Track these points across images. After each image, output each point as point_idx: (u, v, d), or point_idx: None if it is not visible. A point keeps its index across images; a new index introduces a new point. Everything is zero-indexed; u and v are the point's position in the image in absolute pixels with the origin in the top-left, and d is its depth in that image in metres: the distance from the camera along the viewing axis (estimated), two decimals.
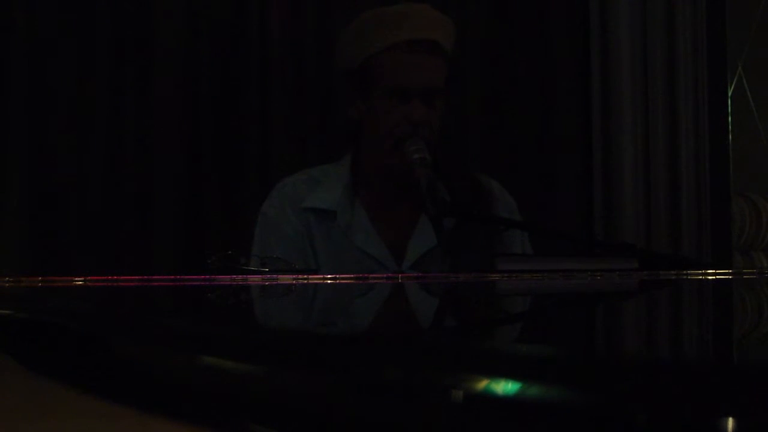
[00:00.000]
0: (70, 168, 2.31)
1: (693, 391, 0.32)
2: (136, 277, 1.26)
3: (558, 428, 0.32)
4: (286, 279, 1.38)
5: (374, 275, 1.50)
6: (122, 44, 2.36)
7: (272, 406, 0.41)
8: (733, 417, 0.28)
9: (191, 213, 2.37)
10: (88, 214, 2.31)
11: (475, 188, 1.87)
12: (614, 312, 0.86)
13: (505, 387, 0.34)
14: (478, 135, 2.56)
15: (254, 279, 1.39)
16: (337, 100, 2.34)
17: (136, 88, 2.36)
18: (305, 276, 1.38)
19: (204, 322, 0.67)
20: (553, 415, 0.32)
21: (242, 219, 2.17)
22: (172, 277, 1.32)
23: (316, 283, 1.31)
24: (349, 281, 1.36)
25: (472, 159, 2.49)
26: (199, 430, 0.42)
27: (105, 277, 1.25)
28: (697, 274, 1.61)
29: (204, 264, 1.43)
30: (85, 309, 0.84)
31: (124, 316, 0.76)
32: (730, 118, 2.76)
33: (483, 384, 0.34)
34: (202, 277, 1.29)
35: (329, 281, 1.34)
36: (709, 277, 1.56)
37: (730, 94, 2.79)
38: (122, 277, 1.26)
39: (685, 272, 1.58)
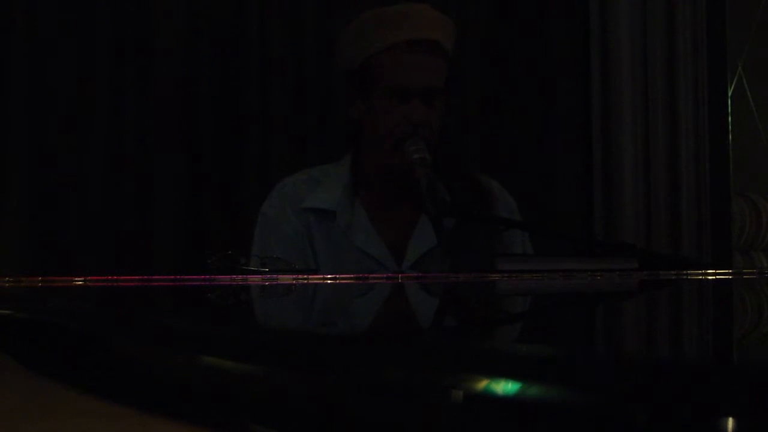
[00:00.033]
0: (70, 168, 2.31)
1: (693, 391, 0.32)
2: (136, 277, 1.26)
3: (558, 428, 0.32)
4: (286, 279, 1.38)
5: (374, 275, 1.50)
6: (122, 44, 2.36)
7: (272, 406, 0.41)
8: (733, 417, 0.28)
9: (191, 213, 2.37)
10: (88, 214, 2.31)
11: (475, 188, 1.87)
12: (614, 312, 0.86)
13: (505, 387, 0.34)
14: (478, 135, 2.56)
15: (254, 279, 1.39)
16: (337, 100, 2.34)
17: (136, 88, 2.36)
18: (305, 276, 1.38)
19: (204, 322, 0.67)
20: (553, 415, 0.32)
21: (242, 219, 2.17)
22: (172, 277, 1.32)
23: (316, 283, 1.31)
24: (349, 281, 1.36)
25: (472, 159, 2.49)
26: (199, 430, 0.42)
27: (105, 277, 1.25)
28: (697, 274, 1.61)
29: (204, 264, 1.43)
30: (85, 309, 0.84)
31: (124, 316, 0.76)
32: (730, 118, 2.76)
33: (483, 384, 0.34)
34: (202, 277, 1.29)
35: (329, 281, 1.34)
36: (709, 277, 1.56)
37: (730, 94, 2.79)
38: (122, 277, 1.26)
39: (685, 272, 1.58)
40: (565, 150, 2.62)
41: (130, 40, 2.37)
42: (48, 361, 0.59)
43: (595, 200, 2.60)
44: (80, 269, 2.26)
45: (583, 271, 1.43)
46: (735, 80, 2.91)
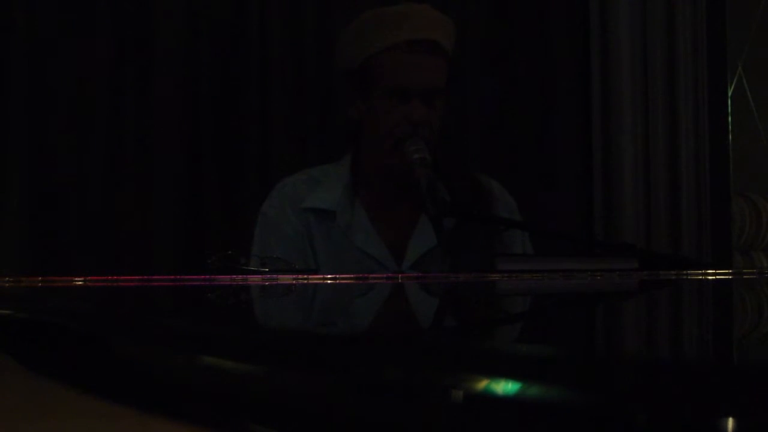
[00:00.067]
0: (70, 168, 2.31)
1: (693, 391, 0.32)
2: (136, 277, 1.26)
3: (558, 428, 0.32)
4: (286, 279, 1.38)
5: (374, 275, 1.50)
6: (122, 44, 2.36)
7: (272, 406, 0.41)
8: (733, 417, 0.28)
9: (191, 213, 2.37)
10: (88, 214, 2.31)
11: (475, 188, 1.87)
12: (614, 312, 0.86)
13: (505, 387, 0.34)
14: (478, 135, 2.56)
15: (254, 279, 1.39)
16: (337, 100, 2.34)
17: (136, 88, 2.36)
18: (305, 276, 1.38)
19: (204, 322, 0.67)
20: (553, 415, 0.32)
21: (242, 219, 2.17)
22: (172, 277, 1.32)
23: (316, 283, 1.31)
24: (349, 281, 1.36)
25: (472, 159, 2.49)
26: (199, 430, 0.42)
27: (105, 277, 1.25)
28: (697, 274, 1.61)
29: (204, 264, 1.43)
30: (85, 309, 0.84)
31: (124, 316, 0.76)
32: (730, 118, 2.76)
33: (483, 384, 0.34)
34: (202, 277, 1.29)
35: (329, 281, 1.34)
36: (709, 277, 1.56)
37: (730, 94, 2.79)
38: (122, 277, 1.26)
39: (685, 272, 1.58)
40: (565, 150, 2.62)
41: (130, 40, 2.37)
42: (48, 361, 0.59)
43: (595, 200, 2.60)
44: (80, 269, 2.26)
45: (583, 271, 1.43)
46: (735, 80, 2.91)
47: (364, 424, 0.37)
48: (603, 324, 0.71)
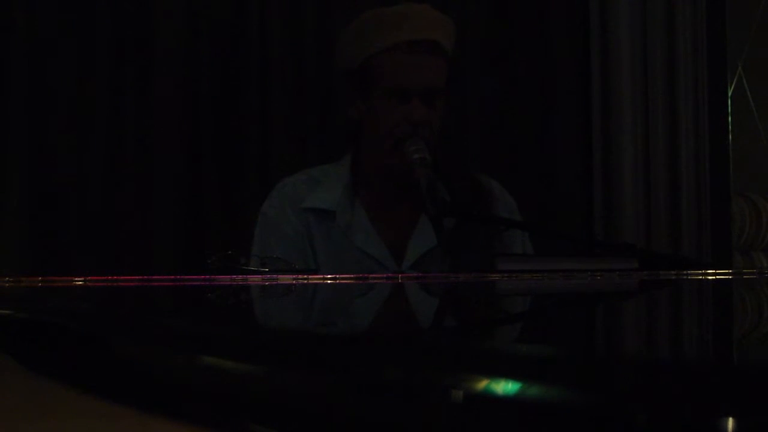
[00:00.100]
0: (70, 168, 2.30)
1: (693, 391, 0.32)
2: (136, 277, 1.26)
3: (558, 428, 0.32)
4: (286, 279, 1.38)
5: (374, 275, 1.50)
6: (122, 44, 2.36)
7: (272, 406, 0.41)
8: (733, 417, 0.28)
9: (191, 213, 2.37)
10: (88, 214, 2.31)
11: (475, 188, 1.87)
12: (614, 312, 0.86)
13: (505, 387, 0.34)
14: (478, 135, 2.56)
15: (254, 279, 1.39)
16: (337, 100, 2.34)
17: (136, 88, 2.36)
18: (305, 276, 1.38)
19: (204, 322, 0.67)
20: (553, 415, 0.32)
21: (242, 219, 2.16)
22: (172, 277, 1.32)
23: (316, 283, 1.31)
24: (349, 281, 1.36)
25: (472, 159, 2.49)
26: (199, 430, 0.42)
27: (105, 277, 1.25)
28: (697, 274, 1.61)
29: (204, 264, 1.43)
30: (85, 309, 0.84)
31: (124, 316, 0.76)
32: (730, 118, 2.76)
33: (483, 384, 0.34)
34: (202, 277, 1.29)
35: (329, 281, 1.34)
36: (709, 277, 1.56)
37: (730, 94, 2.79)
38: (122, 277, 1.26)
39: (685, 272, 1.58)
40: (565, 150, 2.62)
41: (130, 40, 2.37)
42: (48, 361, 0.59)
43: (595, 200, 2.60)
44: (80, 269, 2.26)
45: (583, 271, 1.43)
46: (735, 80, 2.91)
47: (364, 424, 0.37)
48: (603, 324, 0.71)
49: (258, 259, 1.62)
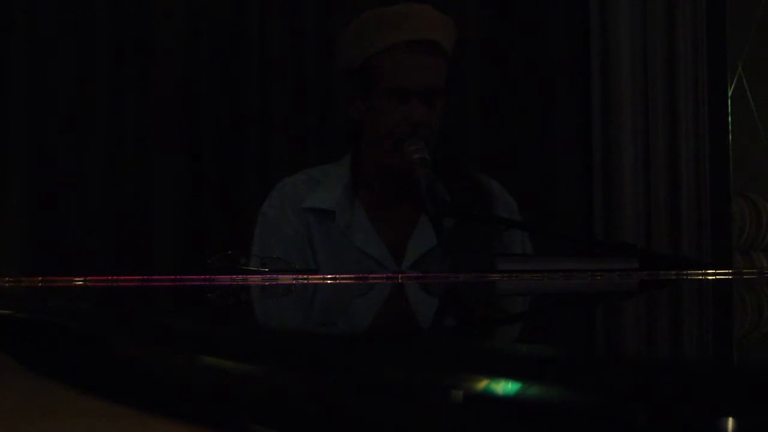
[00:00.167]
0: (70, 168, 2.30)
1: (693, 391, 0.32)
2: (136, 277, 1.26)
3: (558, 428, 0.32)
4: (286, 279, 1.38)
5: (374, 275, 1.50)
6: (122, 44, 2.36)
7: (272, 406, 0.41)
8: (733, 417, 0.28)
9: (191, 213, 2.37)
10: (88, 214, 2.31)
11: (475, 188, 1.87)
12: (614, 312, 0.86)
13: (505, 387, 0.34)
14: (478, 135, 2.56)
15: (254, 279, 1.39)
16: (337, 100, 2.34)
17: (136, 88, 2.36)
18: (305, 276, 1.38)
19: (204, 322, 0.67)
20: (553, 415, 0.32)
21: (242, 219, 2.17)
22: (172, 277, 1.32)
23: (316, 283, 1.31)
24: (348, 281, 1.36)
25: (472, 159, 2.49)
26: (199, 430, 0.42)
27: (105, 277, 1.25)
28: (697, 274, 1.61)
29: (204, 264, 1.43)
30: (85, 309, 0.84)
31: (124, 316, 0.76)
32: (730, 118, 2.76)
33: (483, 384, 0.34)
34: (202, 277, 1.29)
35: (329, 281, 1.34)
36: (709, 277, 1.56)
37: (730, 94, 2.79)
38: (122, 277, 1.26)
39: (685, 272, 1.58)
40: (565, 150, 2.62)
41: (130, 40, 2.37)
42: (48, 361, 0.59)
43: (595, 200, 2.60)
44: (80, 269, 2.26)
45: (583, 271, 1.43)
46: (735, 80, 2.91)
47: (364, 424, 0.37)
48: (603, 324, 0.71)
49: (258, 259, 1.62)
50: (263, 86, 2.43)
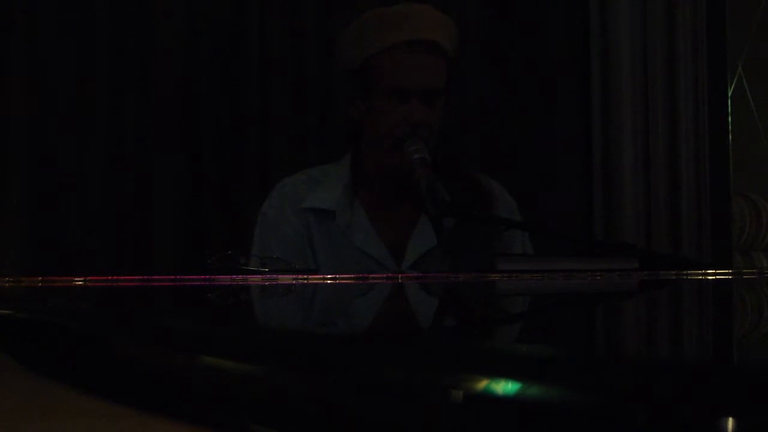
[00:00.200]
0: (70, 168, 2.31)
1: (693, 391, 0.32)
2: (136, 277, 1.26)
3: (558, 428, 0.32)
4: (285, 279, 1.38)
5: (374, 275, 1.50)
6: (122, 44, 2.36)
7: (272, 406, 0.41)
8: (733, 417, 0.28)
9: (191, 213, 2.37)
10: (88, 214, 2.31)
11: (475, 188, 1.87)
12: (614, 312, 0.86)
13: (505, 387, 0.34)
14: (478, 135, 2.56)
15: (254, 279, 1.39)
16: (337, 100, 2.34)
17: (136, 88, 2.36)
18: (305, 276, 1.38)
19: (204, 322, 0.67)
20: (553, 415, 0.32)
21: (242, 219, 2.17)
22: (172, 277, 1.32)
23: (316, 283, 1.31)
24: (348, 281, 1.36)
25: (472, 159, 2.49)
26: (199, 430, 0.42)
27: (105, 277, 1.25)
28: (697, 274, 1.61)
29: (204, 264, 1.43)
30: (85, 309, 0.84)
31: (124, 316, 0.76)
32: (730, 118, 2.76)
33: (483, 384, 0.34)
34: (202, 277, 1.29)
35: (329, 281, 1.34)
36: (709, 277, 1.56)
37: (730, 94, 2.79)
38: (122, 277, 1.26)
39: (685, 272, 1.58)
40: (565, 150, 2.62)
41: (130, 40, 2.37)
42: (48, 361, 0.59)
43: (595, 200, 2.60)
44: (80, 269, 2.26)
45: (583, 271, 1.43)
46: (735, 80, 2.91)
47: (364, 424, 0.37)
48: (603, 324, 0.71)
49: (258, 259, 1.62)
50: (263, 86, 2.43)
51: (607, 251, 1.83)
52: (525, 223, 1.95)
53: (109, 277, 1.25)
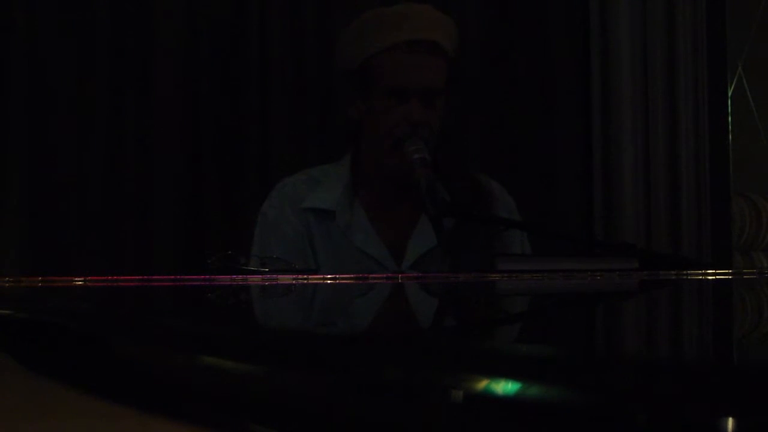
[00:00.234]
0: (70, 168, 2.30)
1: (693, 391, 0.32)
2: (136, 277, 1.26)
3: (558, 428, 0.32)
4: (286, 279, 1.38)
5: (374, 275, 1.50)
6: (122, 44, 2.36)
7: (272, 406, 0.41)
8: (733, 417, 0.28)
9: (191, 213, 2.37)
10: (88, 214, 2.31)
11: (475, 188, 1.87)
12: (614, 312, 0.86)
13: (505, 387, 0.34)
14: (478, 135, 2.56)
15: (254, 279, 1.39)
16: (337, 100, 2.34)
17: (136, 88, 2.36)
18: (305, 276, 1.38)
19: (204, 322, 0.67)
20: (553, 415, 0.32)
21: (242, 219, 2.17)
22: (172, 277, 1.32)
23: (316, 283, 1.31)
24: (348, 281, 1.36)
25: (472, 159, 2.49)
26: (199, 430, 0.42)
27: (105, 277, 1.25)
28: (697, 274, 1.61)
29: (204, 264, 1.43)
30: (85, 309, 0.84)
31: (124, 316, 0.76)
32: (730, 118, 2.76)
33: (483, 384, 0.34)
34: (202, 277, 1.29)
35: (329, 281, 1.34)
36: (709, 277, 1.56)
37: (730, 94, 2.79)
38: (122, 277, 1.26)
39: (685, 272, 1.58)
40: (565, 150, 2.62)
41: (130, 40, 2.37)
42: (48, 361, 0.59)
43: (595, 200, 2.60)
44: (80, 269, 2.26)
45: (583, 271, 1.43)
46: (735, 80, 2.91)
47: (364, 424, 0.37)
48: (603, 324, 0.71)
49: (258, 259, 1.62)
50: (263, 86, 2.43)
51: (607, 251, 1.83)
52: (525, 223, 1.95)
53: (109, 277, 1.25)
